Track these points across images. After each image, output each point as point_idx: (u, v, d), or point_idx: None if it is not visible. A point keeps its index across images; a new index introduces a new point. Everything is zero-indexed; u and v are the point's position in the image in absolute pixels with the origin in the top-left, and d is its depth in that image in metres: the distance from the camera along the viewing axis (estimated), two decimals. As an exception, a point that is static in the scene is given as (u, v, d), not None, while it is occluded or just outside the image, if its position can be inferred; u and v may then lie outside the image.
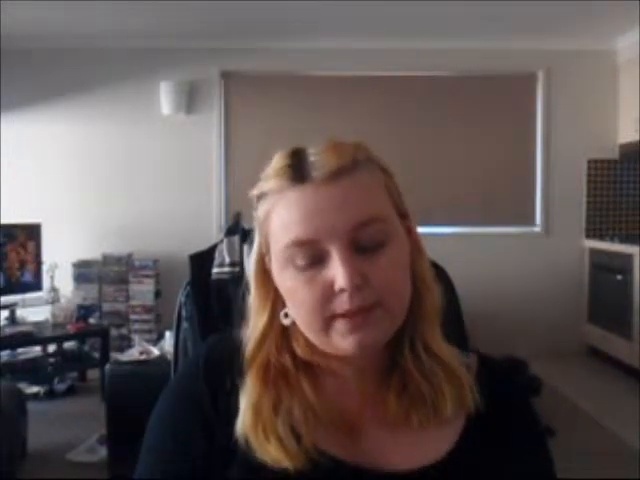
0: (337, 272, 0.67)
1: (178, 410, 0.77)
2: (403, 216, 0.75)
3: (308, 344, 0.74)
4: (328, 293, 0.68)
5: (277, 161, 0.73)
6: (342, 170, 0.70)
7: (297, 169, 0.71)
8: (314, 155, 0.71)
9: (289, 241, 0.69)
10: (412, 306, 0.74)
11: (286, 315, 0.75)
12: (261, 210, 0.74)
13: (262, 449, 0.70)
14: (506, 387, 0.82)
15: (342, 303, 0.68)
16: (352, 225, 0.68)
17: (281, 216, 0.71)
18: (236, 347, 0.77)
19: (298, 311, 0.72)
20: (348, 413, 0.75)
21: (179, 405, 0.77)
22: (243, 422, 0.72)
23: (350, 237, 0.68)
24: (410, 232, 0.76)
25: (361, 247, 0.69)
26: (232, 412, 0.73)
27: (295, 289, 0.71)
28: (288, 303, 0.74)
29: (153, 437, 0.77)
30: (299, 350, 0.75)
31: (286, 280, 0.72)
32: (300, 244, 0.69)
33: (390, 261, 0.70)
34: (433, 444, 0.75)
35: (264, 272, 0.76)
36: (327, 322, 0.69)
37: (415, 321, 0.75)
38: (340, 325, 0.69)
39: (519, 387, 0.83)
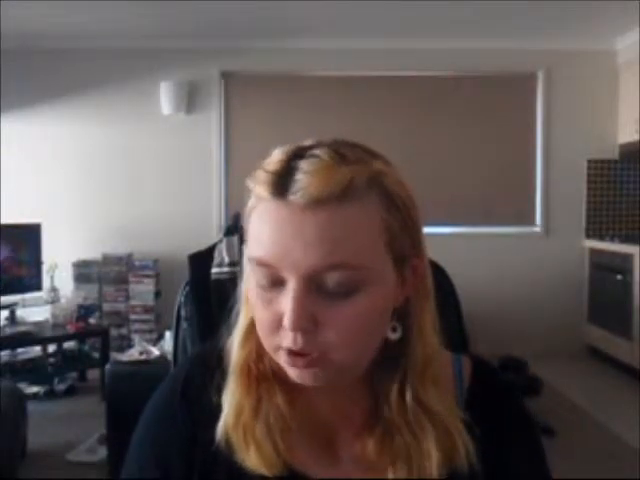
0: (286, 309, 0.62)
1: (156, 436, 0.75)
2: (403, 259, 0.66)
3: None
4: (277, 323, 0.63)
5: (270, 162, 0.65)
6: (325, 200, 0.60)
7: (280, 182, 0.62)
8: (303, 172, 0.61)
9: (253, 255, 0.64)
10: (402, 352, 0.69)
11: None
12: (249, 202, 0.68)
13: (242, 453, 0.69)
14: (500, 395, 0.78)
15: (287, 338, 0.63)
16: (317, 266, 0.60)
17: (254, 224, 0.65)
18: (220, 354, 0.75)
19: (257, 324, 0.68)
20: (324, 427, 0.73)
21: (156, 431, 0.75)
22: (225, 423, 0.70)
23: (312, 276, 0.61)
24: (416, 273, 0.68)
25: (324, 289, 0.62)
26: (209, 434, 0.71)
27: (254, 303, 0.67)
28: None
29: (133, 462, 0.76)
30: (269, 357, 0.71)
31: (250, 287, 0.68)
32: (260, 264, 0.63)
33: (355, 313, 0.62)
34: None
35: None
36: (275, 348, 0.66)
37: (405, 368, 0.69)
38: (284, 357, 0.65)
39: (515, 397, 0.79)
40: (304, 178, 0.61)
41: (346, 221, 0.61)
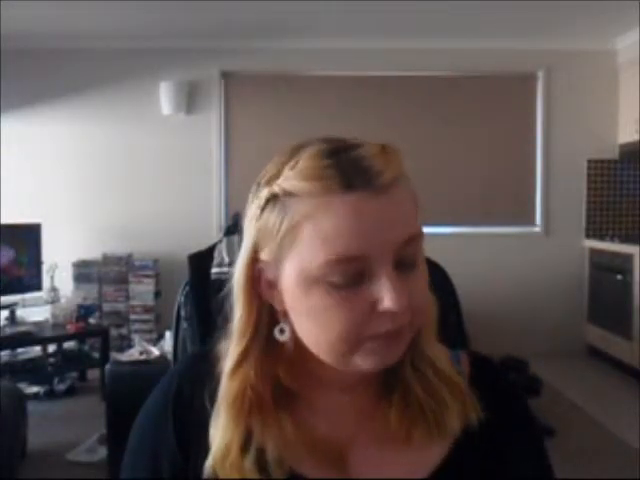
0: (385, 292, 0.61)
1: (150, 446, 0.75)
2: None
3: (293, 369, 0.69)
4: (368, 313, 0.63)
5: (314, 158, 0.63)
6: (397, 178, 0.64)
7: (348, 172, 0.61)
8: (370, 159, 0.62)
9: (333, 257, 0.61)
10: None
11: (282, 331, 0.68)
12: (282, 214, 0.63)
13: None
14: (500, 389, 0.78)
15: (384, 323, 0.63)
16: (402, 240, 0.63)
17: (323, 227, 0.61)
18: (213, 367, 0.73)
19: (323, 332, 0.64)
20: (335, 441, 0.71)
21: (150, 441, 0.75)
22: (214, 459, 0.68)
23: (397, 254, 0.63)
24: None
25: (402, 265, 0.64)
26: (202, 442, 0.70)
27: (325, 309, 0.63)
28: (306, 323, 0.66)
29: (129, 472, 0.77)
30: (282, 374, 0.70)
31: (311, 299, 0.63)
32: (347, 260, 0.61)
33: (422, 279, 0.67)
34: (427, 458, 0.71)
35: (252, 280, 0.68)
36: (360, 343, 0.64)
37: (416, 333, 0.71)
38: (373, 345, 0.64)
39: (513, 388, 0.80)
40: (377, 163, 0.63)
41: (407, 197, 0.65)
